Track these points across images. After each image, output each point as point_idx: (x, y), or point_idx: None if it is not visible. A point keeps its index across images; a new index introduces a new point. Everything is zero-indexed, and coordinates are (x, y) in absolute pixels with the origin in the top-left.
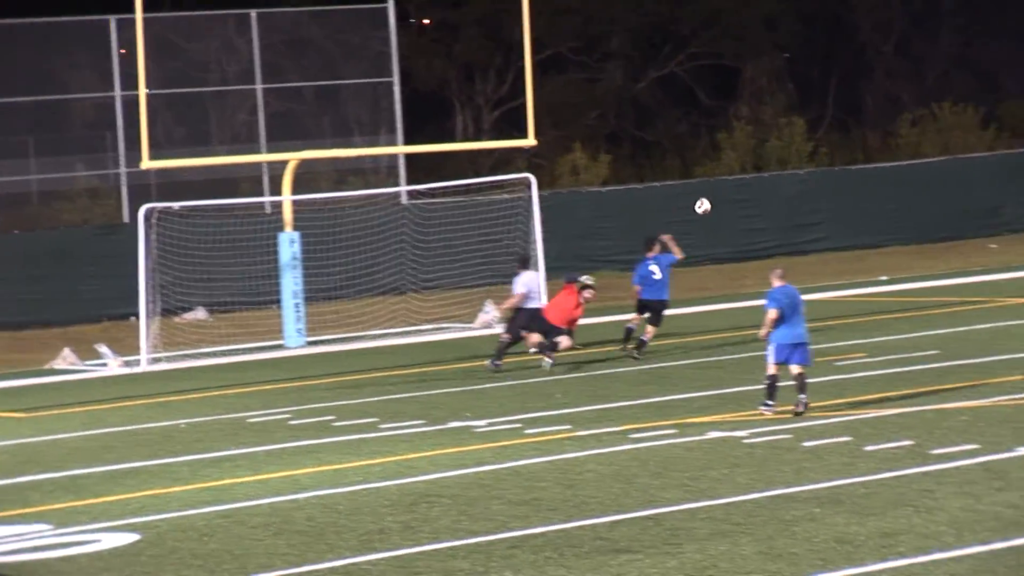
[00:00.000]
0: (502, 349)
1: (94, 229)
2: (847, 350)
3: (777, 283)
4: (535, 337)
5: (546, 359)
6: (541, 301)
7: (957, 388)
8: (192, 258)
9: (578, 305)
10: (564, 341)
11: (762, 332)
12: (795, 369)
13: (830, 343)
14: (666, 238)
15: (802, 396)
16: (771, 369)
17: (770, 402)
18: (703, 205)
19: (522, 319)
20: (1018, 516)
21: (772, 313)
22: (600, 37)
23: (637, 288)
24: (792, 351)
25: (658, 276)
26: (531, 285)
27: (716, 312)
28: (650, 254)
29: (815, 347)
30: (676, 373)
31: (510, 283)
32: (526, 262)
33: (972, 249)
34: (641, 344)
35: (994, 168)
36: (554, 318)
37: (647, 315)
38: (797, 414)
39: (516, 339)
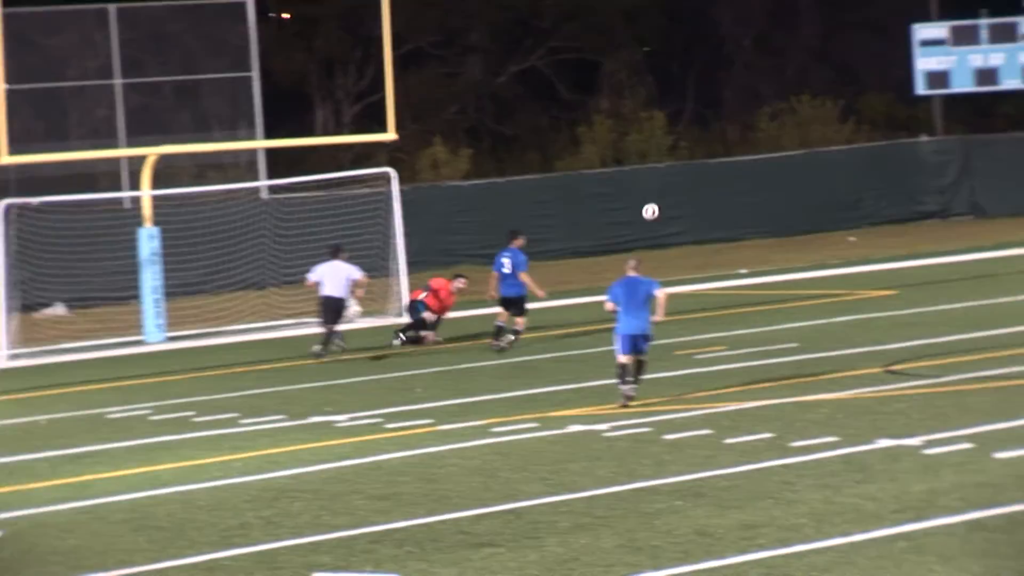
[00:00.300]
0: (326, 338)
1: None
2: (707, 343)
3: (630, 274)
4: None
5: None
6: (340, 291)
7: (817, 381)
8: (51, 253)
9: (450, 294)
10: (429, 336)
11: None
12: (636, 358)
13: (690, 336)
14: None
15: (633, 385)
16: (621, 359)
17: (625, 386)
18: (651, 210)
19: (321, 307)
20: (878, 508)
21: (608, 306)
22: (460, 31)
23: (495, 275)
24: (635, 341)
25: (507, 270)
26: (325, 274)
27: (577, 306)
28: (514, 244)
29: (676, 340)
30: (538, 366)
31: (371, 276)
32: (336, 252)
33: (831, 242)
34: (515, 334)
35: (853, 161)
36: (431, 302)
37: (509, 309)
38: (624, 406)
39: (332, 326)
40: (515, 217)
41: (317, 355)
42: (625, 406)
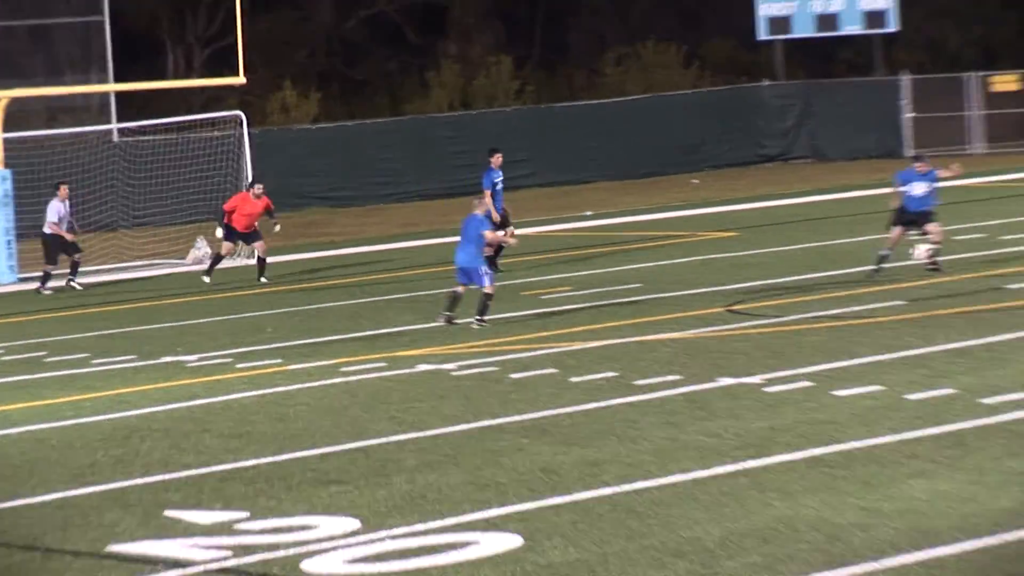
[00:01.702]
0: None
1: None
2: (552, 284)
3: (474, 212)
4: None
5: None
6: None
7: (659, 321)
8: None
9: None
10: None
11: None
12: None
13: (536, 277)
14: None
15: (478, 316)
16: (458, 288)
17: (446, 313)
18: (919, 251)
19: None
20: (719, 445)
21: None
22: None
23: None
24: (467, 274)
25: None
26: (60, 211)
27: (425, 247)
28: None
29: (523, 281)
30: (386, 307)
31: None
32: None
33: (674, 185)
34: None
35: (696, 106)
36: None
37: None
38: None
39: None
40: (364, 160)
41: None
42: (450, 322)
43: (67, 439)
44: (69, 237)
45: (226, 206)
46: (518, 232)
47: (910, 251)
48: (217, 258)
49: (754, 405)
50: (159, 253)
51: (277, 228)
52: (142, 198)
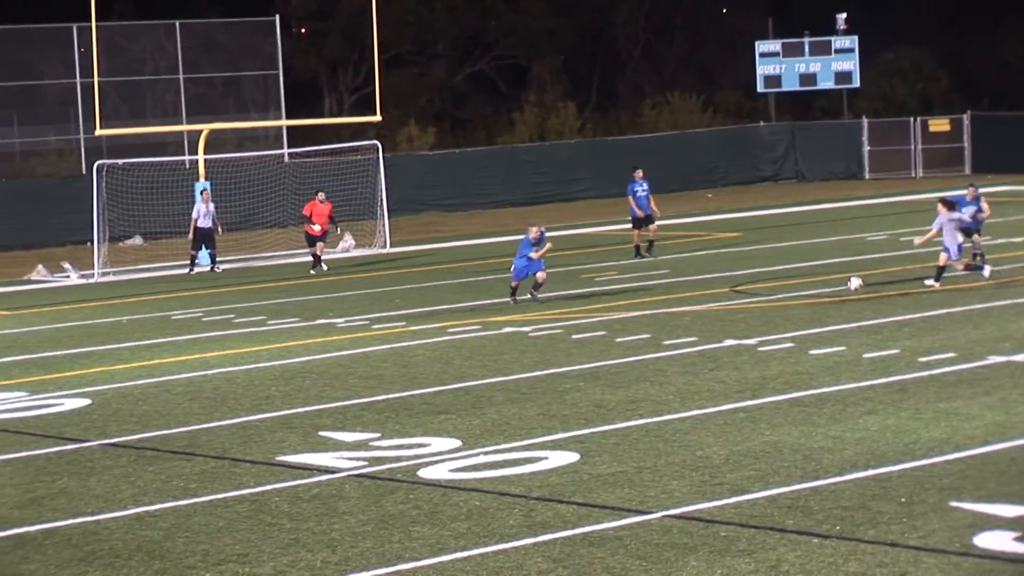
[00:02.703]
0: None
1: (60, 179)
2: (603, 269)
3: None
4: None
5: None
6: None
7: (682, 297)
8: (131, 200)
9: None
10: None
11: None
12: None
13: (592, 264)
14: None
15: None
16: (513, 283)
17: (514, 300)
18: (854, 283)
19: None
20: (724, 389)
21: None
22: (429, 42)
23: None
24: (527, 267)
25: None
26: (201, 211)
27: (511, 241)
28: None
29: (580, 267)
30: (481, 285)
31: (363, 220)
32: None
33: (694, 198)
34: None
35: (710, 140)
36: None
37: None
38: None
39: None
40: (467, 178)
41: None
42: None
43: (248, 379)
44: (219, 231)
45: (304, 210)
46: (581, 231)
47: (847, 283)
48: (315, 257)
49: (750, 360)
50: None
51: (338, 231)
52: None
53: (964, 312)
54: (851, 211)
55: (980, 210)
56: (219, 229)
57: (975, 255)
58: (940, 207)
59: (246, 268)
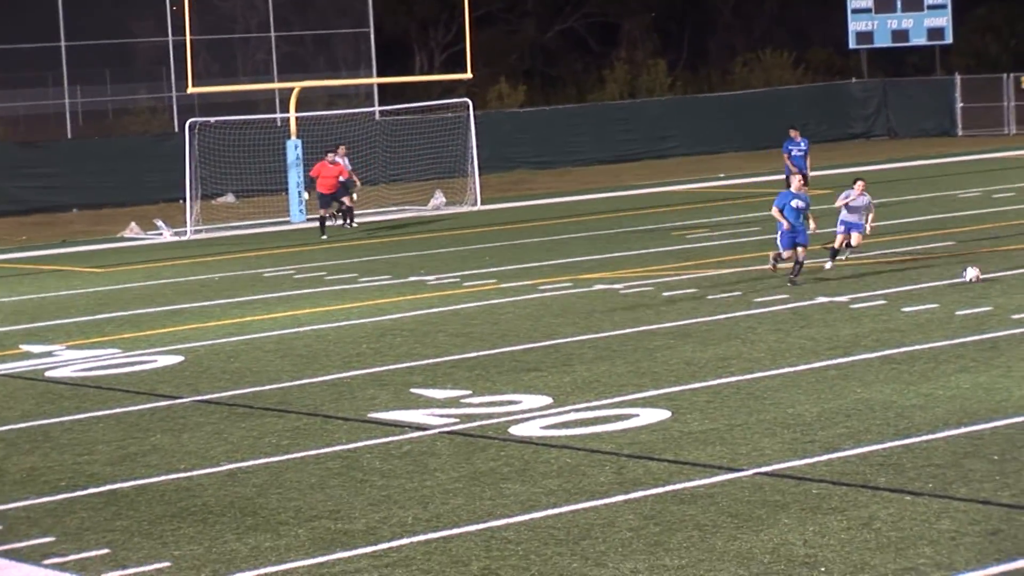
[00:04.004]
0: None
1: (153, 136)
2: (695, 227)
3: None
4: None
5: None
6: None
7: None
8: (223, 158)
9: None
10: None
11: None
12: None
13: (683, 221)
14: None
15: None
16: (785, 253)
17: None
18: (970, 273)
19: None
20: (816, 346)
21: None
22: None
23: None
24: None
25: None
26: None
27: (603, 198)
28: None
29: (671, 225)
30: (572, 242)
31: (454, 178)
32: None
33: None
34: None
35: (802, 97)
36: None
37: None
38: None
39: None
40: (558, 136)
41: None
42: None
43: (339, 336)
44: (355, 187)
45: (311, 172)
46: (671, 188)
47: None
48: (321, 220)
49: (842, 317)
50: (408, 201)
51: (355, 196)
52: (396, 161)
53: None
54: (944, 168)
55: None
56: (356, 182)
57: None
58: None
59: (336, 226)
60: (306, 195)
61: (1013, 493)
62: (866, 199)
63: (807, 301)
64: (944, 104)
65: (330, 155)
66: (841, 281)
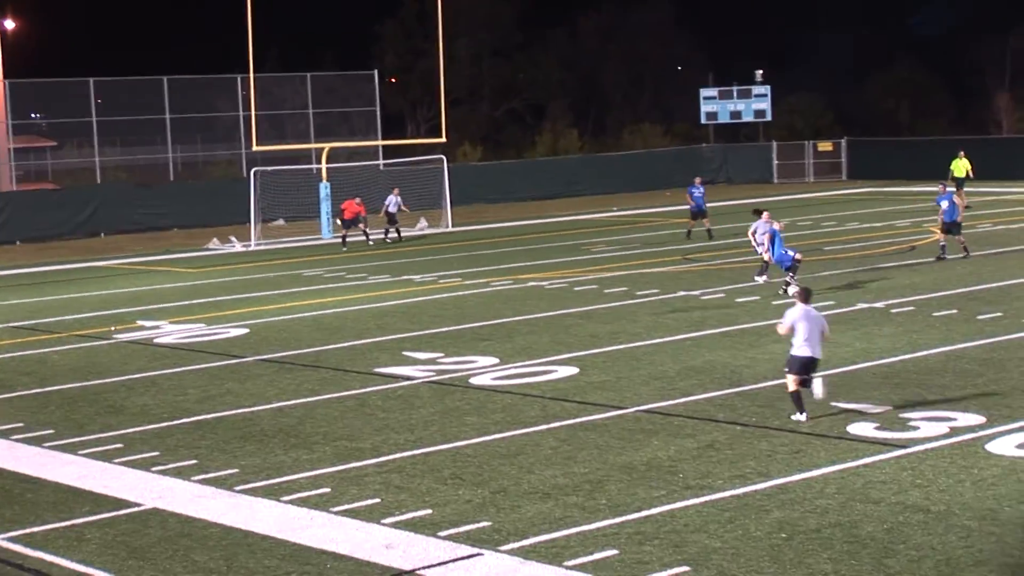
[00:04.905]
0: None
1: (229, 180)
2: (596, 243)
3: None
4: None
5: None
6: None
7: (650, 262)
8: (276, 194)
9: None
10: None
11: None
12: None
13: (587, 240)
14: None
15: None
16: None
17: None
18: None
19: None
20: (677, 324)
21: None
22: (479, 88)
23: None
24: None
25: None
26: (390, 200)
27: (534, 224)
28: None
29: (579, 242)
30: (514, 254)
31: (433, 209)
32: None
33: (656, 195)
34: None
35: (669, 156)
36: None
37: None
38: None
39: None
40: (503, 181)
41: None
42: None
43: (354, 316)
44: (406, 210)
45: (342, 206)
46: (598, 215)
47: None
48: (343, 237)
49: (695, 305)
50: (404, 225)
51: (363, 226)
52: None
53: (846, 273)
54: (764, 205)
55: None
56: (406, 208)
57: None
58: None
59: (355, 241)
60: (337, 220)
61: (810, 425)
62: (772, 225)
63: (671, 294)
64: (766, 161)
65: (357, 198)
66: (693, 281)
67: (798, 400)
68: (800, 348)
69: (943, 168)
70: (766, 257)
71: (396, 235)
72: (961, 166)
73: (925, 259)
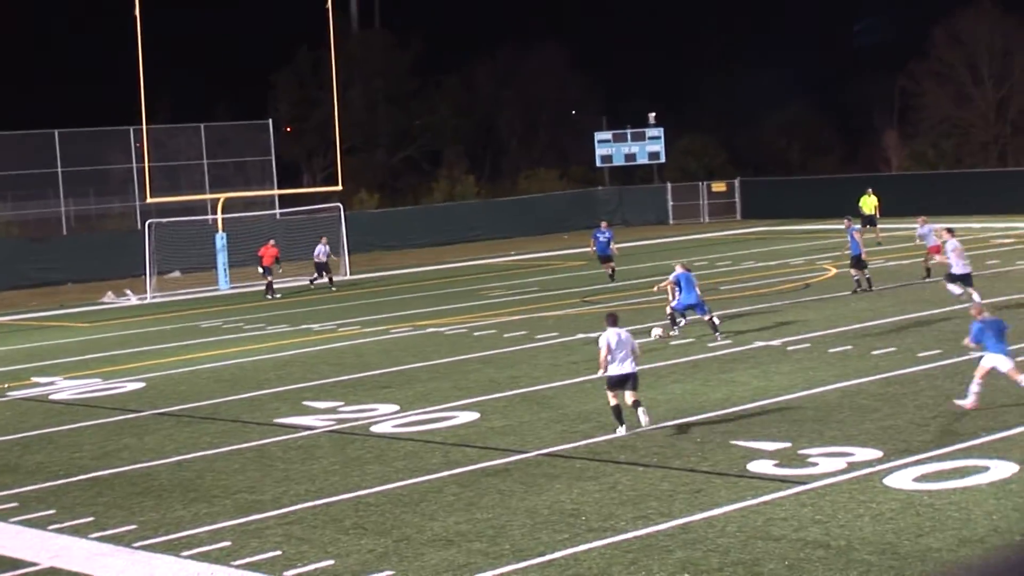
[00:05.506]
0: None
1: (123, 232)
2: (494, 288)
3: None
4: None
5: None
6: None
7: (549, 305)
8: (172, 246)
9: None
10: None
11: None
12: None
13: (485, 285)
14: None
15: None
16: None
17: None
18: (655, 332)
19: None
20: (577, 368)
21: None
22: (374, 136)
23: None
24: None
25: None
26: (319, 250)
27: (431, 270)
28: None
29: (475, 288)
30: (412, 300)
31: (330, 257)
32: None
33: (555, 239)
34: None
35: (566, 199)
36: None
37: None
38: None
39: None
40: (400, 228)
41: None
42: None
43: (253, 366)
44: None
45: (259, 251)
46: (495, 260)
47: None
48: (268, 284)
49: (595, 348)
50: (300, 274)
51: (280, 271)
52: (290, 247)
53: (742, 312)
54: (660, 245)
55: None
56: (335, 258)
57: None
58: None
59: (253, 291)
60: (259, 269)
61: (710, 464)
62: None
63: (571, 336)
64: (661, 202)
65: (271, 241)
66: (593, 324)
67: (618, 414)
68: (615, 368)
69: (836, 205)
70: (669, 309)
71: (328, 282)
72: (869, 203)
73: (819, 296)
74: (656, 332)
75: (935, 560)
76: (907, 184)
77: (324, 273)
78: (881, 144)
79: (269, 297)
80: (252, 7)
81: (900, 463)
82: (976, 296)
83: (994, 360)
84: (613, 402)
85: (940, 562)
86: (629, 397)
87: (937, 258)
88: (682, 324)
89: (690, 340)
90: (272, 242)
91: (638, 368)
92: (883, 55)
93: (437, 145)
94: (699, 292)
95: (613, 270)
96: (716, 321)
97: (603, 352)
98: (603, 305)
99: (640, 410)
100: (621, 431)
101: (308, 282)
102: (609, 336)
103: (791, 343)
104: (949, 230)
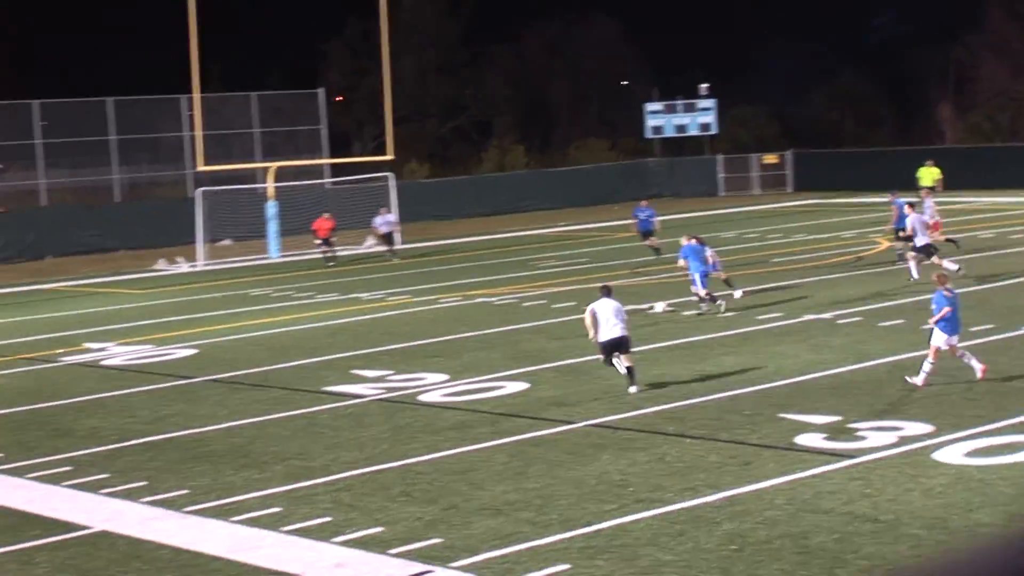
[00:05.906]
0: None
1: (176, 200)
2: (544, 259)
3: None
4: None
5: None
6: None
7: (599, 276)
8: (223, 213)
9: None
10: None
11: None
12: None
13: (536, 255)
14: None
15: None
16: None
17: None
18: (659, 306)
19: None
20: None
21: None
22: (425, 106)
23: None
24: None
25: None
26: (377, 221)
27: (482, 240)
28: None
29: (525, 258)
30: (462, 270)
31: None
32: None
33: (605, 209)
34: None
35: (616, 171)
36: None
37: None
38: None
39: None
40: (450, 198)
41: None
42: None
43: (303, 334)
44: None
45: (313, 225)
46: (546, 231)
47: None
48: (329, 254)
49: (643, 319)
50: (350, 243)
51: (334, 239)
52: (341, 217)
53: (789, 284)
54: (711, 217)
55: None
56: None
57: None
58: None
59: (303, 260)
60: (315, 242)
61: (759, 436)
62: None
63: None
64: (711, 174)
65: (326, 213)
66: (644, 294)
67: (609, 364)
68: (605, 333)
69: (888, 178)
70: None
71: (389, 252)
72: (928, 174)
73: (872, 269)
74: (660, 307)
75: (985, 536)
76: (963, 157)
77: (386, 243)
78: (935, 117)
79: (332, 265)
80: None
81: (951, 438)
82: (947, 264)
83: (939, 338)
84: (610, 366)
85: (990, 537)
86: (624, 362)
87: (938, 235)
88: (719, 301)
89: (739, 312)
90: (327, 215)
91: (627, 333)
92: (939, 26)
93: (487, 115)
94: (709, 258)
95: (657, 245)
96: (716, 295)
97: (587, 319)
98: (653, 277)
99: (632, 388)
100: (633, 390)
101: (387, 252)
102: (596, 305)
103: (841, 316)
104: (911, 204)
